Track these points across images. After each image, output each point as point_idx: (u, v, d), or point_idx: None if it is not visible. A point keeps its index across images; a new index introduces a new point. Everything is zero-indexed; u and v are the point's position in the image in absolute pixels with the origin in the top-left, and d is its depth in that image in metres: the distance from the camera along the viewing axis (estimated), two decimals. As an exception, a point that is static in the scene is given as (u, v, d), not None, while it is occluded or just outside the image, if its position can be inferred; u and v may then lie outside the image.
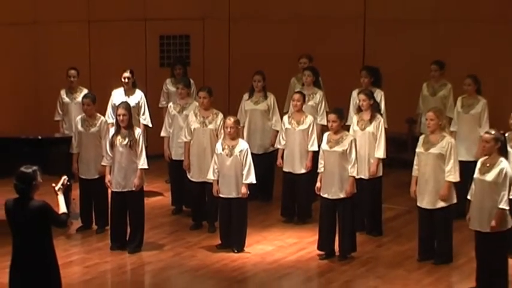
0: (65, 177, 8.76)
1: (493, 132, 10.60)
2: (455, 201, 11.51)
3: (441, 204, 11.43)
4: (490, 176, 10.38)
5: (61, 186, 8.63)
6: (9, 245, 8.60)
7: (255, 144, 13.55)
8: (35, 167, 8.51)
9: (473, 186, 10.64)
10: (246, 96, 13.98)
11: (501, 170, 10.32)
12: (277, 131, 13.52)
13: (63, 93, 14.44)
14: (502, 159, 10.44)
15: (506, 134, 10.99)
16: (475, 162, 10.85)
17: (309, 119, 13.05)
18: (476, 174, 10.57)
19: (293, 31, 16.54)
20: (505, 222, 10.39)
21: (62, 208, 8.56)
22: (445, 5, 15.75)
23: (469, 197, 10.73)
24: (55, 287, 8.70)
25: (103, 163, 12.27)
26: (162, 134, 13.60)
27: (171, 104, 13.73)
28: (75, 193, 12.57)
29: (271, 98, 13.88)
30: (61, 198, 8.62)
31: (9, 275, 8.62)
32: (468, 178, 11.27)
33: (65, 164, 12.51)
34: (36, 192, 8.46)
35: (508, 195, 10.34)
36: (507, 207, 10.31)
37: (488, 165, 10.44)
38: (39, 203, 8.43)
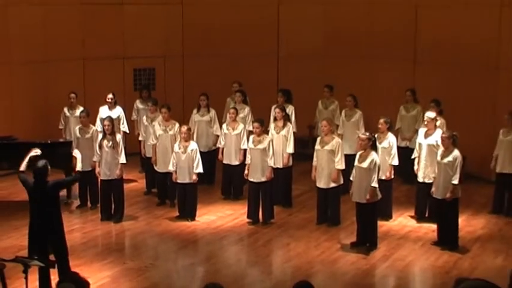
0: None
1: (367, 133, 10.82)
2: (342, 182, 11.65)
3: (332, 184, 11.57)
4: (365, 164, 10.57)
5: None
6: (27, 218, 8.61)
7: (202, 145, 13.49)
8: (45, 160, 8.64)
9: (354, 171, 10.81)
10: (195, 111, 13.92)
11: (372, 160, 10.53)
12: (218, 135, 13.53)
13: (65, 110, 14.24)
14: (373, 152, 10.65)
15: (376, 135, 11.17)
16: (355, 155, 11.03)
17: (241, 126, 13.09)
18: (356, 163, 10.75)
19: (228, 64, 16.46)
20: (376, 196, 10.60)
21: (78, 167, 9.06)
22: (333, 44, 15.87)
23: (351, 179, 10.90)
24: (62, 247, 8.70)
25: (94, 159, 12.21)
26: (140, 138, 13.59)
27: (144, 117, 13.64)
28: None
29: (212, 112, 13.85)
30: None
31: (28, 240, 8.61)
32: (350, 166, 11.47)
33: (66, 160, 12.40)
34: (47, 178, 8.53)
35: (377, 177, 10.56)
36: (376, 185, 10.52)
37: (364, 156, 10.64)
38: (50, 182, 8.53)
